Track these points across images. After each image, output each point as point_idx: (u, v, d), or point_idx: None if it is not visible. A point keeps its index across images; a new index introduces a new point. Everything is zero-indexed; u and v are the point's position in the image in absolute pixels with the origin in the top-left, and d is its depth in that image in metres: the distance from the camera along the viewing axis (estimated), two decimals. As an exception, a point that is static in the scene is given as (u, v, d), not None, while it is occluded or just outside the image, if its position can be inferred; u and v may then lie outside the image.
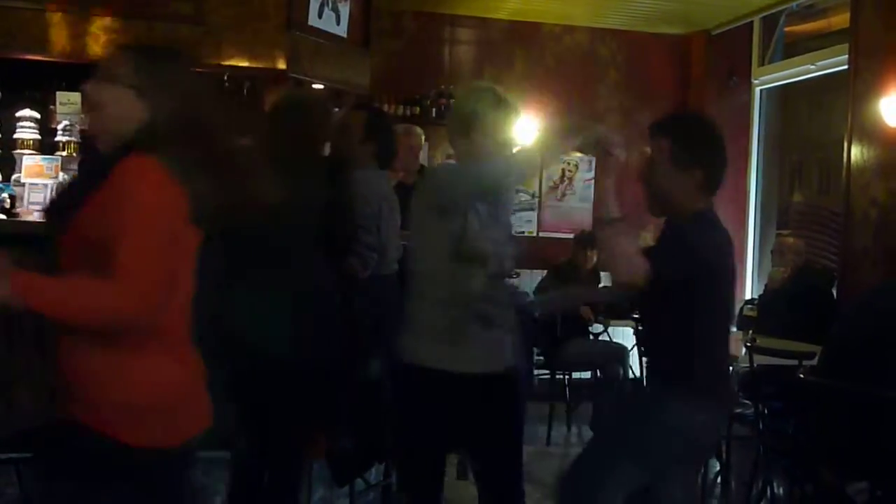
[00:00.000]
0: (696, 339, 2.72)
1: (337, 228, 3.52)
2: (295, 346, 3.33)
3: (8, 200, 5.37)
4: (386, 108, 7.75)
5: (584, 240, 7.00)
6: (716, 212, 2.85)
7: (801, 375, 3.65)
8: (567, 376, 6.78)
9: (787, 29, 8.04)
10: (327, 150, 3.98)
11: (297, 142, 3.51)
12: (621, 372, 6.60)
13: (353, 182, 3.68)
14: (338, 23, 5.82)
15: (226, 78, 5.85)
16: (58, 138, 5.67)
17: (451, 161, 4.02)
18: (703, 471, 5.29)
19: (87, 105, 2.33)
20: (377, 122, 4.15)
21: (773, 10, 7.75)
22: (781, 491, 4.70)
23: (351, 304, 3.65)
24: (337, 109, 6.11)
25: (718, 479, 5.24)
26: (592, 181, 8.33)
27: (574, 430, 6.73)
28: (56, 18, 5.04)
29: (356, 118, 4.19)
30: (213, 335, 3.60)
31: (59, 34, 5.06)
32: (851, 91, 6.22)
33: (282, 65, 5.34)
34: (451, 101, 7.96)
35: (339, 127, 4.19)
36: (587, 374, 7.07)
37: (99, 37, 5.08)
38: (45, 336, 3.36)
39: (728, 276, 2.80)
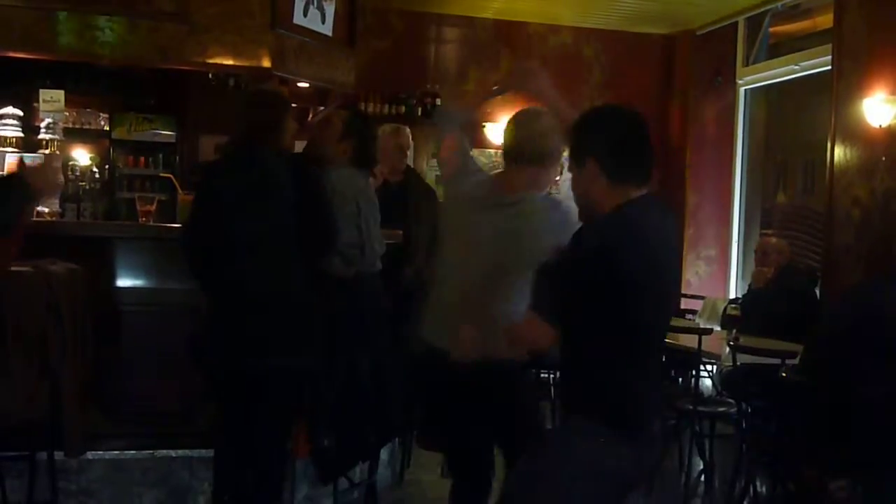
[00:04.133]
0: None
1: (313, 225, 3.51)
2: (274, 345, 3.34)
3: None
4: (371, 107, 7.74)
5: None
6: (648, 202, 2.41)
7: (784, 374, 3.66)
8: (553, 375, 6.77)
9: (771, 29, 8.07)
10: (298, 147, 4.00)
11: (250, 134, 3.50)
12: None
13: (327, 180, 3.68)
14: (323, 21, 5.80)
15: (210, 76, 5.83)
16: (41, 136, 5.63)
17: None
18: (686, 469, 5.33)
19: None
20: (357, 123, 4.17)
21: (758, 11, 7.78)
22: (764, 489, 4.72)
23: (331, 302, 3.65)
24: (322, 108, 6.11)
25: (702, 478, 5.26)
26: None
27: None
28: (38, 15, 5.00)
29: (338, 117, 4.20)
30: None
31: (41, 31, 5.02)
32: (835, 92, 6.26)
33: (266, 63, 5.32)
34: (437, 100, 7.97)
35: (319, 123, 4.19)
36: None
37: (82, 34, 5.05)
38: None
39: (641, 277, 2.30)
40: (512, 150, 3.12)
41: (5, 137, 5.62)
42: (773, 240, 6.15)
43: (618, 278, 2.22)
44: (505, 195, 3.08)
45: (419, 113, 7.99)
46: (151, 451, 4.16)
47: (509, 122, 3.18)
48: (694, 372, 5.11)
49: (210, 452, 3.87)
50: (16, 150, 5.64)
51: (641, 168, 2.42)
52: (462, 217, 3.18)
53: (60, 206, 5.19)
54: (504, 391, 3.07)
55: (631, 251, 2.27)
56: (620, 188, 2.38)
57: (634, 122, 2.46)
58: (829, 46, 6.45)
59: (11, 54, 5.16)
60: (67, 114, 6.65)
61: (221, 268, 3.39)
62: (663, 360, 2.91)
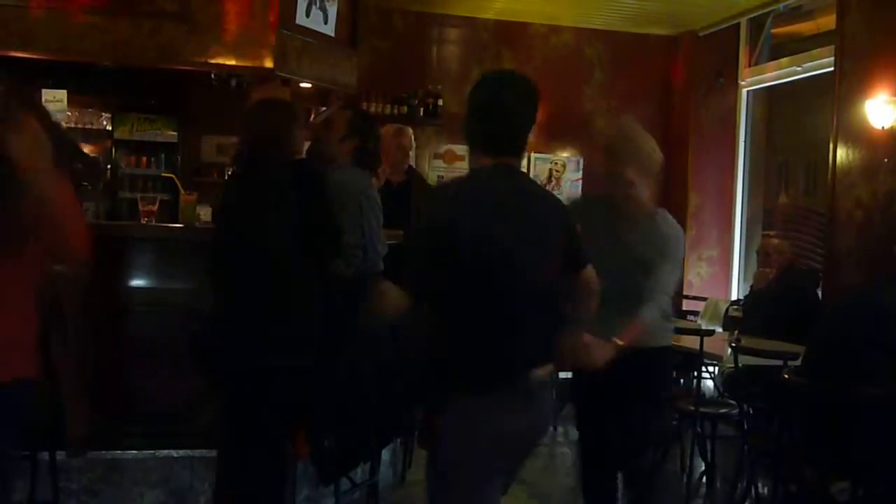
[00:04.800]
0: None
1: (318, 230, 3.51)
2: (276, 346, 3.34)
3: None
4: (373, 107, 7.75)
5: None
6: (489, 173, 2.43)
7: (786, 376, 3.66)
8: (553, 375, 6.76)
9: (773, 30, 8.07)
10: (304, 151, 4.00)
11: (258, 141, 3.50)
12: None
13: (330, 181, 3.68)
14: (325, 21, 5.80)
15: (212, 76, 5.82)
16: (43, 135, 5.63)
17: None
18: (688, 470, 5.32)
19: None
20: (360, 123, 4.17)
21: (760, 12, 7.78)
22: (766, 490, 4.71)
23: (333, 303, 3.65)
24: (324, 108, 6.11)
25: (703, 479, 5.25)
26: (580, 181, 8.36)
27: (560, 429, 6.73)
28: (40, 15, 5.00)
29: (341, 117, 4.21)
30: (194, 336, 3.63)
31: (43, 31, 5.02)
32: (837, 93, 6.25)
33: (269, 63, 5.32)
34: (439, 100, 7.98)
35: (322, 124, 4.19)
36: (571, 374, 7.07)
37: (84, 33, 5.05)
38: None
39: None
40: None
41: (7, 137, 5.61)
42: (775, 241, 6.15)
43: (431, 244, 2.36)
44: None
45: (421, 113, 7.99)
46: (153, 451, 4.17)
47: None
48: (696, 373, 5.11)
49: (211, 453, 3.87)
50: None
51: (490, 137, 2.43)
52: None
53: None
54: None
55: (439, 220, 2.37)
56: (476, 156, 2.47)
57: (499, 89, 2.46)
58: (832, 48, 6.44)
59: (14, 54, 5.16)
60: (70, 113, 6.65)
61: (227, 270, 3.40)
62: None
